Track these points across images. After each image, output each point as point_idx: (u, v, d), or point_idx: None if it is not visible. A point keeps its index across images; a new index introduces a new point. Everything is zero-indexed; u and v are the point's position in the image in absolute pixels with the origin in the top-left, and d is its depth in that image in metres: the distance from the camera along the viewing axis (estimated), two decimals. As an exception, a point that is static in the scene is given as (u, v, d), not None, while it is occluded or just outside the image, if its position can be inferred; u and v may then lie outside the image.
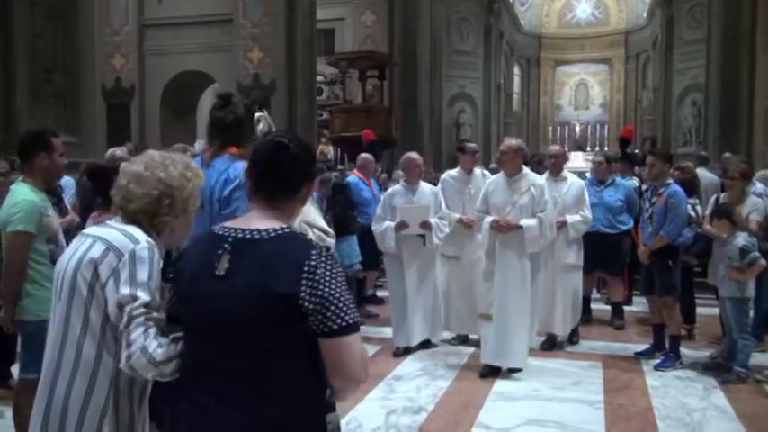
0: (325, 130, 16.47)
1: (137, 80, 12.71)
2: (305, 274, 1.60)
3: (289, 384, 1.63)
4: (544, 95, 28.99)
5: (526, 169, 5.33)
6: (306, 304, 1.58)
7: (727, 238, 5.10)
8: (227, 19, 12.42)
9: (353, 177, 7.40)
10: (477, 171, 6.12)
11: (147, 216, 1.91)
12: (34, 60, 7.54)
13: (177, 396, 1.72)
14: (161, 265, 1.86)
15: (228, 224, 1.76)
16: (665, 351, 5.50)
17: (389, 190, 6.09)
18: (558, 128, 27.88)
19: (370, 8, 17.39)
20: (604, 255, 6.42)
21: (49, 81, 7.66)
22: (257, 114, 3.09)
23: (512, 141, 5.38)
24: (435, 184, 6.26)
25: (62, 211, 4.47)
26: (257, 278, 1.61)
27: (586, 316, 6.67)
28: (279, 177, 1.75)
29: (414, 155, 6.00)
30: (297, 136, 1.87)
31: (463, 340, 6.11)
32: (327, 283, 1.61)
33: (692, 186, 5.86)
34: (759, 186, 5.85)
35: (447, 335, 6.20)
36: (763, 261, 4.98)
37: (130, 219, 1.92)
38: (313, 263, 1.62)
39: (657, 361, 5.45)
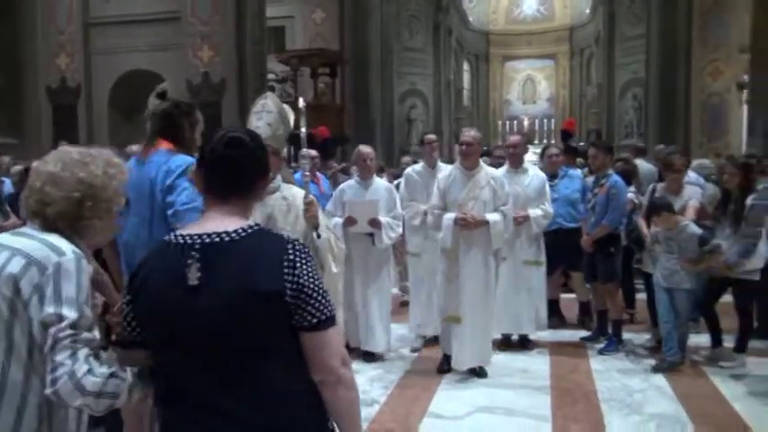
0: (277, 127, 16.28)
1: (83, 80, 12.30)
2: (285, 270, 1.55)
3: (286, 387, 1.57)
4: (493, 91, 29.31)
5: (482, 162, 5.14)
6: (290, 300, 1.54)
7: (675, 230, 5.02)
8: (176, 17, 12.12)
9: (298, 175, 7.19)
10: (441, 165, 5.72)
11: (68, 221, 1.72)
12: (-27, 61, 7.24)
13: (165, 405, 1.63)
14: (90, 274, 1.70)
15: (188, 231, 1.63)
16: (609, 336, 5.65)
17: (342, 185, 5.68)
18: (507, 122, 28.24)
19: (320, 6, 17.26)
20: (570, 250, 5.87)
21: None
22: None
23: (473, 132, 5.08)
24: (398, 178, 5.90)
25: (4, 213, 4.33)
26: (237, 281, 1.53)
27: (555, 320, 6.19)
28: (236, 174, 1.65)
29: (364, 148, 5.55)
30: (249, 130, 1.80)
31: (425, 342, 5.74)
32: (306, 277, 1.57)
33: (630, 176, 6.03)
34: (692, 175, 6.06)
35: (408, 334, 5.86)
36: (723, 248, 4.95)
37: (49, 225, 1.71)
38: (291, 257, 1.57)
39: (601, 345, 5.61)
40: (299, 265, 1.57)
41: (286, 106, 3.13)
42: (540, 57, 29.01)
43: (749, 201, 5.03)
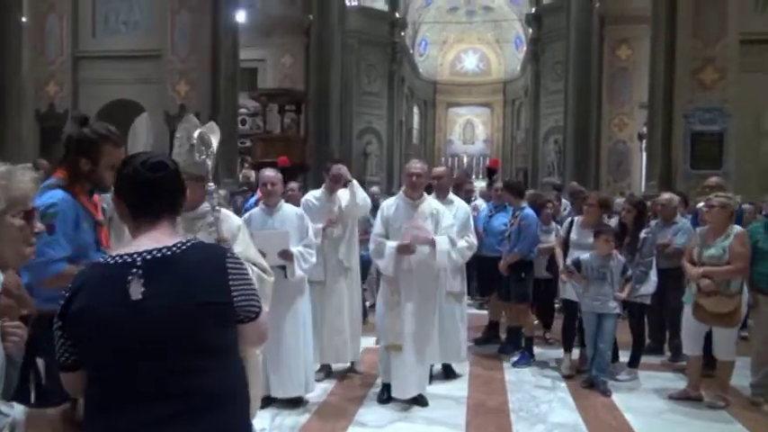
0: (248, 156, 16.01)
1: (70, 106, 11.79)
2: (230, 278, 1.47)
3: (226, 388, 1.46)
4: (438, 131, 29.59)
5: (425, 194, 4.48)
6: (237, 304, 1.48)
7: (608, 258, 4.69)
8: (157, 54, 11.81)
9: (251, 201, 6.29)
10: (341, 192, 4.92)
11: None
12: (-44, 83, 6.77)
13: (104, 418, 1.40)
14: None
15: (124, 250, 1.46)
16: (522, 350, 5.48)
17: (247, 214, 4.38)
18: (450, 158, 28.44)
19: (289, 51, 17.19)
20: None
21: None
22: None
23: (421, 163, 4.43)
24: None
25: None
26: (184, 292, 1.40)
27: (495, 341, 5.92)
28: (163, 195, 1.53)
29: (268, 171, 4.40)
30: (164, 155, 1.63)
31: (326, 373, 4.90)
32: (244, 280, 1.51)
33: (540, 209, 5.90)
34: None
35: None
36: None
37: None
38: (231, 264, 1.49)
39: (515, 358, 5.43)
40: (237, 271, 1.50)
41: (212, 124, 2.83)
42: (479, 104, 29.48)
43: (642, 234, 4.96)
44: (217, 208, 2.73)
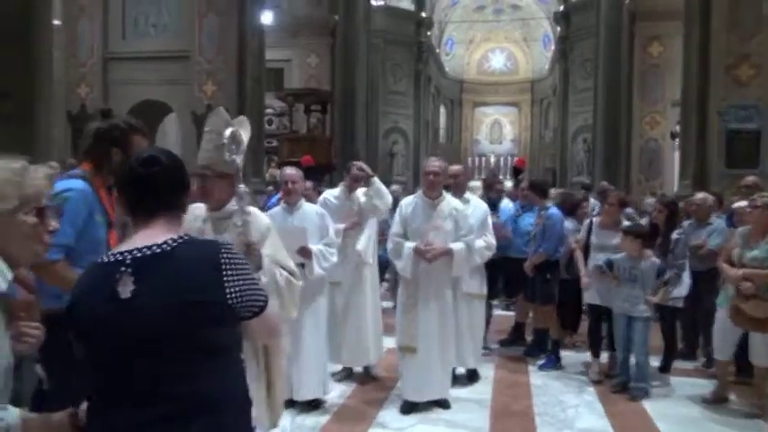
0: (274, 155, 16.11)
1: (101, 107, 12.02)
2: (224, 275, 1.40)
3: (225, 388, 1.41)
4: (465, 131, 29.35)
5: (445, 192, 4.30)
6: (232, 301, 1.40)
7: (638, 259, 4.51)
8: (185, 55, 11.94)
9: (274, 199, 6.20)
10: (359, 191, 4.84)
11: None
12: (-10, 86, 6.92)
13: (102, 417, 1.37)
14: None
15: (118, 249, 1.44)
16: (548, 353, 5.35)
17: (269, 212, 4.26)
18: (477, 158, 28.20)
19: (315, 51, 17.21)
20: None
21: (1, 104, 7.05)
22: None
23: (439, 162, 4.25)
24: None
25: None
26: (174, 290, 1.35)
27: (520, 343, 5.84)
28: (156, 191, 1.47)
29: (288, 170, 4.33)
30: (165, 150, 1.57)
31: (347, 375, 4.85)
32: (241, 274, 1.43)
33: (571, 208, 5.75)
34: (629, 211, 5.77)
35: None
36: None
37: None
38: (225, 259, 1.42)
39: (542, 361, 5.30)
40: (233, 265, 1.43)
41: (243, 118, 2.70)
42: (506, 104, 29.16)
43: (674, 235, 4.78)
44: (247, 209, 2.62)
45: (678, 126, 12.56)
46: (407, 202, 4.33)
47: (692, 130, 10.61)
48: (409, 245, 4.08)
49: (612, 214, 4.97)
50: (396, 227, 4.24)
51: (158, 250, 1.40)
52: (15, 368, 1.54)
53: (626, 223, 4.93)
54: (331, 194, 4.96)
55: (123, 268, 1.37)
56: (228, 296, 1.40)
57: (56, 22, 10.90)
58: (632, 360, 4.59)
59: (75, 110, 12.02)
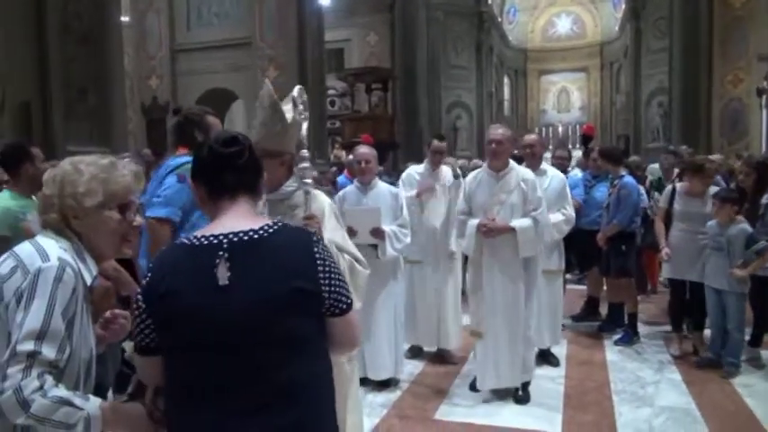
0: (337, 136, 16.24)
1: (171, 98, 12.51)
2: (319, 264, 1.37)
3: (313, 379, 1.36)
4: (531, 101, 28.44)
5: (513, 163, 3.92)
6: (325, 293, 1.37)
7: (727, 226, 4.22)
8: (247, 42, 12.21)
9: (342, 178, 6.41)
10: (444, 168, 4.78)
11: (62, 222, 1.47)
12: (69, 83, 7.33)
13: (184, 408, 1.33)
14: (81, 283, 1.42)
15: (208, 231, 1.37)
16: (625, 327, 5.13)
17: (341, 192, 4.34)
18: (543, 129, 27.30)
19: (374, 29, 17.12)
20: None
21: (82, 100, 7.45)
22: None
23: (502, 129, 3.89)
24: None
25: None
26: (271, 278, 1.31)
27: (593, 318, 5.67)
28: (239, 171, 1.42)
29: (361, 148, 4.25)
30: (236, 131, 1.52)
31: (416, 353, 4.79)
32: (333, 267, 1.40)
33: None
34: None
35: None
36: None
37: (53, 227, 1.47)
38: (318, 249, 1.39)
39: (617, 336, 5.10)
40: (325, 256, 1.40)
41: (299, 88, 2.48)
42: (573, 70, 27.92)
43: (764, 200, 4.43)
44: (307, 190, 2.40)
45: (766, 81, 11.63)
46: (472, 176, 4.05)
47: (781, 86, 9.79)
48: (473, 222, 3.81)
49: (704, 179, 4.56)
50: (461, 204, 3.99)
51: (255, 236, 1.35)
52: (99, 355, 1.60)
53: (713, 188, 4.62)
54: (415, 170, 4.82)
55: (221, 253, 1.32)
56: (323, 286, 1.37)
57: (125, 18, 11.38)
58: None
59: (147, 102, 12.60)
